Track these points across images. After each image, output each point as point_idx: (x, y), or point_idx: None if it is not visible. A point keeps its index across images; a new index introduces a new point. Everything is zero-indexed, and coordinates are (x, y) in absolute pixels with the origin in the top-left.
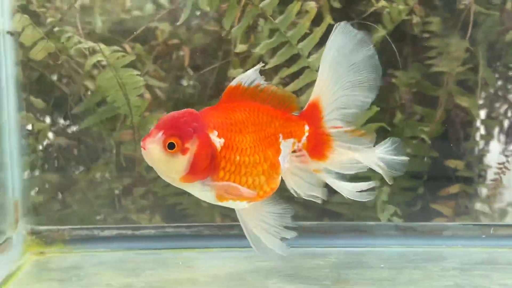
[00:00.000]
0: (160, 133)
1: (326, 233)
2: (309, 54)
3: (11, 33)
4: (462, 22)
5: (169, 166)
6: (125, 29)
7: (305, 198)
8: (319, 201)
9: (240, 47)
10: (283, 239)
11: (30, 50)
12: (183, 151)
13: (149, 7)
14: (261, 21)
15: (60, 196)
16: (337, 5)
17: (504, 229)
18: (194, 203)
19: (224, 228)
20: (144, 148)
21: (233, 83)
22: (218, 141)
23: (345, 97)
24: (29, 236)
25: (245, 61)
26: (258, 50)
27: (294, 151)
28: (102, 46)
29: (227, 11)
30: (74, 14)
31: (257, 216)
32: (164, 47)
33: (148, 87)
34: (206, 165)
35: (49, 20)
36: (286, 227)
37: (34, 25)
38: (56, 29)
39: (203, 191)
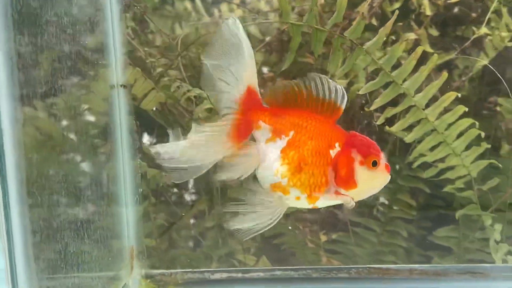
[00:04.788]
0: None
1: (439, 275)
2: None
3: (124, 86)
4: None
5: None
6: None
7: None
8: None
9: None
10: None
11: (142, 100)
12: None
13: None
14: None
15: (169, 238)
16: (435, 33)
17: None
18: (298, 244)
19: (332, 270)
20: None
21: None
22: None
23: None
24: (144, 281)
25: None
26: (361, 92)
27: None
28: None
29: (331, 55)
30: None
31: None
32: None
33: None
34: None
35: (158, 70)
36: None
37: (145, 77)
38: (165, 79)
39: None
